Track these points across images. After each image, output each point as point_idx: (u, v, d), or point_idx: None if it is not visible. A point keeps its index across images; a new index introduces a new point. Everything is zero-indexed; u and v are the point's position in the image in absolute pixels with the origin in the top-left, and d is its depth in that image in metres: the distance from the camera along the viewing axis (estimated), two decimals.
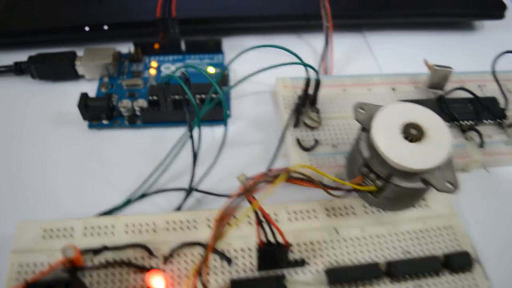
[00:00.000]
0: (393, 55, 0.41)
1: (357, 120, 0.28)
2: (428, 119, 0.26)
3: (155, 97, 0.34)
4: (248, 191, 0.22)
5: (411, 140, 0.26)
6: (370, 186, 0.27)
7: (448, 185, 0.25)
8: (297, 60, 0.29)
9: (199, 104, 0.34)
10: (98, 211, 0.30)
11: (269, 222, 0.23)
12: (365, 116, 0.28)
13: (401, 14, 0.43)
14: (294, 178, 0.24)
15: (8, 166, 0.33)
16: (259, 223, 0.23)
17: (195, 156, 0.29)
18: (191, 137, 0.28)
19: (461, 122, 0.34)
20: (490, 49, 0.38)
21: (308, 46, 0.42)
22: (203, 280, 0.23)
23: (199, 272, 0.22)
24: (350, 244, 0.28)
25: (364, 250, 0.27)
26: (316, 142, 0.32)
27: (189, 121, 0.28)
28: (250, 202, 0.22)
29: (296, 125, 0.32)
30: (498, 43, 0.41)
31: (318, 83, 0.32)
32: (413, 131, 0.26)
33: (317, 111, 0.33)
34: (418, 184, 0.26)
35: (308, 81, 0.31)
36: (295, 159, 0.31)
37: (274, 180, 0.23)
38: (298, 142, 0.32)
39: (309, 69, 0.30)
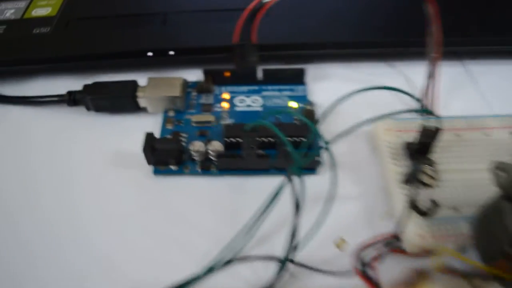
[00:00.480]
0: (506, 89, 0.35)
1: (499, 187, 0.22)
2: None
3: (233, 140, 0.29)
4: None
5: None
6: None
7: None
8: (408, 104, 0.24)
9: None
10: (163, 278, 0.25)
11: None
12: (509, 180, 0.22)
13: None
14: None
15: (56, 221, 0.28)
16: None
17: (297, 212, 0.24)
18: (291, 184, 0.23)
19: None
20: None
21: (402, 76, 0.36)
22: None
23: None
24: None
25: None
26: (435, 204, 0.26)
27: (290, 169, 0.23)
28: None
29: (408, 181, 0.27)
30: None
31: (437, 131, 0.26)
32: None
33: (432, 164, 0.27)
34: None
35: (427, 130, 0.26)
36: (411, 228, 0.25)
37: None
38: (414, 205, 0.26)
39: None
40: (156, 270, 0.26)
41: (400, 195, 0.27)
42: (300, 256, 0.25)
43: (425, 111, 0.24)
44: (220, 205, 0.29)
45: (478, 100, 0.34)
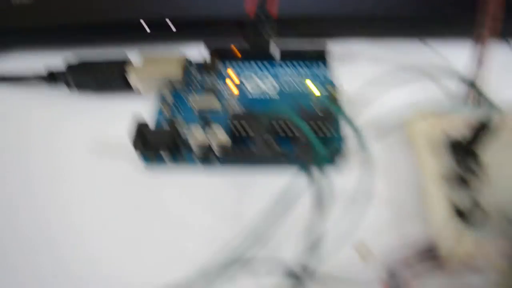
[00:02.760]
0: None
1: None
2: None
3: (240, 130, 0.24)
4: None
5: None
6: None
7: None
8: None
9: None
10: (157, 283, 0.21)
11: None
12: None
13: None
14: None
15: (34, 215, 0.24)
16: None
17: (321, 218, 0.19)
18: (313, 183, 0.18)
19: None
20: None
21: (440, 57, 0.31)
22: None
23: None
24: None
25: None
26: (484, 212, 0.21)
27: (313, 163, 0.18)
28: None
29: (454, 183, 0.22)
30: None
31: (488, 124, 0.21)
32: None
33: (479, 162, 0.22)
34: None
35: (483, 123, 0.21)
36: (451, 237, 0.20)
37: None
38: (458, 211, 0.21)
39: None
40: (145, 273, 0.22)
41: (441, 199, 0.22)
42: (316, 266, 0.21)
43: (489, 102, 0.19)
44: (222, 203, 0.24)
45: None
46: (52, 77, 0.28)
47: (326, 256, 0.21)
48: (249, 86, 0.28)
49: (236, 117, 0.24)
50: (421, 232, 0.22)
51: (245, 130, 0.24)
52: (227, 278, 0.21)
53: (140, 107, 0.28)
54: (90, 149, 0.26)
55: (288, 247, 0.22)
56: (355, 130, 0.21)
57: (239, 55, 0.29)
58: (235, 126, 0.24)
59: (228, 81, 0.28)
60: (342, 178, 0.24)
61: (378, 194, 0.24)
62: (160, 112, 0.27)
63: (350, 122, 0.20)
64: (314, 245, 0.20)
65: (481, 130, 0.22)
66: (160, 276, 0.21)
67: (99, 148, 0.26)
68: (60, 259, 0.22)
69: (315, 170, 0.20)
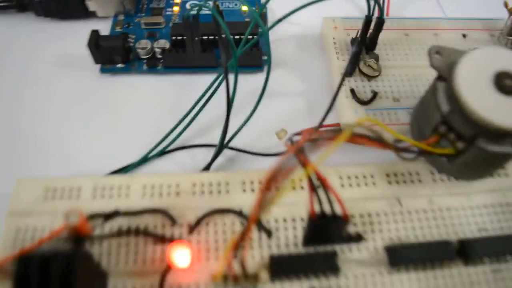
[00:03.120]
0: None
1: (434, 67, 0.22)
2: None
3: (179, 37, 0.29)
4: (300, 151, 0.17)
5: (506, 93, 0.20)
6: (448, 148, 0.22)
7: None
8: None
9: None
10: (110, 169, 0.25)
11: (326, 189, 0.18)
12: (443, 62, 0.22)
13: None
14: (359, 136, 0.19)
15: (8, 116, 0.28)
16: (313, 189, 0.18)
17: (229, 105, 0.24)
18: (227, 81, 0.23)
19: None
20: None
21: None
22: (242, 257, 0.18)
23: (236, 247, 0.18)
24: (415, 217, 0.23)
25: (432, 225, 0.23)
26: (375, 94, 0.26)
27: (225, 62, 0.23)
28: (304, 165, 0.17)
29: (351, 73, 0.27)
30: None
31: (381, 23, 0.26)
32: (508, 82, 0.20)
33: (376, 58, 0.27)
34: (508, 149, 0.21)
35: (368, 21, 0.26)
36: (348, 114, 0.26)
37: (334, 137, 0.18)
38: (353, 93, 0.26)
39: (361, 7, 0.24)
40: (99, 160, 0.26)
41: (343, 87, 0.27)
42: (240, 144, 0.26)
43: (376, 2, 0.24)
44: (165, 101, 0.29)
45: (432, 4, 0.34)
46: (20, 3, 0.32)
47: (246, 136, 0.26)
48: (189, 6, 0.32)
49: (174, 24, 0.29)
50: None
51: (181, 37, 0.29)
52: (167, 154, 0.26)
53: (98, 27, 0.32)
54: (55, 63, 0.31)
55: (216, 131, 0.26)
56: (264, 30, 0.25)
57: None
58: (174, 34, 0.29)
59: (173, 3, 0.33)
60: (263, 77, 0.29)
61: (294, 90, 0.29)
62: (113, 28, 0.31)
63: (264, 30, 0.24)
64: (227, 123, 0.25)
65: (377, 29, 0.27)
66: (114, 161, 0.26)
67: (62, 62, 0.31)
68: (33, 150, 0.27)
69: (236, 67, 0.25)
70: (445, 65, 0.22)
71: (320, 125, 0.24)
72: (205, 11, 0.26)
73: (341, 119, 0.26)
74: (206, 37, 0.28)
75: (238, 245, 0.17)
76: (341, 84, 0.24)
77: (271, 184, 0.16)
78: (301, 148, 0.18)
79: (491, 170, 0.24)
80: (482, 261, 0.22)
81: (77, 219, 0.19)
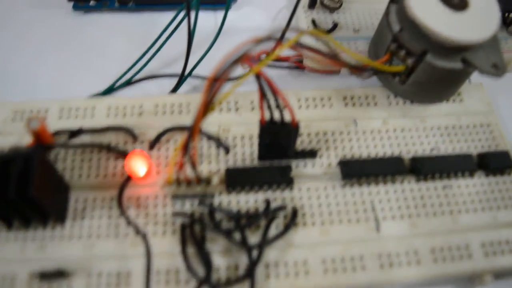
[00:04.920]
0: None
1: None
2: None
3: None
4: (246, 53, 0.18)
5: (453, 7, 0.21)
6: (399, 66, 0.22)
7: (493, 67, 0.21)
8: None
9: None
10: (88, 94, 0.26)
11: (275, 94, 0.19)
12: None
13: None
14: (312, 48, 0.20)
15: None
16: (262, 95, 0.19)
17: (190, 36, 0.24)
18: (188, 14, 0.24)
19: (505, 14, 0.29)
20: None
21: None
22: (191, 158, 0.19)
23: (185, 148, 0.18)
24: (369, 137, 0.24)
25: (386, 144, 0.23)
26: (335, 25, 0.27)
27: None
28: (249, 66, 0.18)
29: (312, 5, 0.27)
30: None
31: None
32: None
33: None
34: (457, 64, 0.21)
35: None
36: (309, 43, 0.26)
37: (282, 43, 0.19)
38: (314, 23, 0.27)
39: None
40: (68, 89, 0.27)
41: (305, 20, 0.28)
42: (205, 73, 0.26)
43: None
44: (135, 37, 0.29)
45: None
46: None
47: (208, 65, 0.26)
48: None
49: None
50: None
51: None
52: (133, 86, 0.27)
53: None
54: (29, 3, 0.31)
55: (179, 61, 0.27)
56: None
57: None
58: None
59: None
60: (229, 15, 0.29)
61: (260, 25, 0.29)
62: None
63: None
64: (203, 56, 0.25)
65: None
66: (83, 92, 0.26)
67: (36, 2, 0.31)
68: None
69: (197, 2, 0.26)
70: None
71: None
72: None
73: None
74: None
75: (187, 145, 0.18)
76: (293, 13, 0.24)
77: (219, 79, 0.17)
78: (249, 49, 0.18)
79: (445, 92, 0.24)
80: (433, 177, 0.22)
81: (39, 125, 0.19)
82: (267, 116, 0.19)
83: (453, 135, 0.24)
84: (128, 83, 0.27)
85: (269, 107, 0.19)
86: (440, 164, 0.23)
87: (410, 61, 0.22)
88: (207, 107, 0.17)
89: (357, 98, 0.25)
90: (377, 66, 0.22)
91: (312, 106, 0.24)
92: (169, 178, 0.20)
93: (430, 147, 0.24)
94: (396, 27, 0.22)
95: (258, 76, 0.18)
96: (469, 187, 0.23)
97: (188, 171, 0.20)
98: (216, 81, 0.17)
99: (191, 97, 0.24)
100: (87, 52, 0.29)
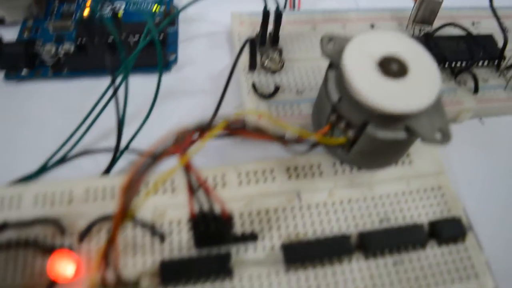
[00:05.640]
0: None
1: (325, 55, 0.22)
2: (410, 50, 0.21)
3: (83, 40, 0.28)
4: (178, 141, 0.17)
5: (391, 76, 0.20)
6: (340, 138, 0.21)
7: (438, 134, 0.20)
8: None
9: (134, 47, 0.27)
10: (8, 180, 0.24)
11: (205, 190, 0.17)
12: (335, 50, 0.22)
13: None
14: (237, 129, 0.18)
15: None
16: (191, 189, 0.17)
17: (118, 110, 0.23)
18: (113, 84, 0.22)
19: (452, 64, 0.28)
20: None
21: None
22: (114, 266, 0.17)
23: (105, 255, 0.17)
24: (315, 212, 0.22)
25: (332, 219, 0.22)
26: (277, 88, 0.26)
27: (111, 65, 0.22)
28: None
29: (252, 67, 0.26)
30: None
31: (279, 17, 0.26)
32: (393, 66, 0.20)
33: (279, 52, 0.27)
34: (400, 134, 0.20)
35: (266, 14, 0.25)
36: (251, 109, 0.25)
37: (208, 132, 0.17)
38: (254, 87, 0.26)
39: (269, 0, 0.24)
40: (1, 171, 0.25)
41: (245, 83, 0.26)
42: (145, 145, 0.25)
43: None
44: (70, 106, 0.28)
45: None
46: None
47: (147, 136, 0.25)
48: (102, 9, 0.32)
49: (78, 28, 0.28)
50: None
51: (84, 39, 0.28)
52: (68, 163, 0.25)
53: (7, 34, 0.31)
54: None
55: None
56: (153, 31, 0.24)
57: None
58: (77, 36, 0.28)
59: (84, 6, 0.32)
60: (172, 78, 0.28)
61: (202, 88, 0.28)
62: (21, 34, 0.30)
63: (152, 28, 0.23)
64: (138, 129, 0.24)
65: (276, 22, 0.27)
66: (14, 172, 0.24)
67: None
68: None
69: (126, 71, 0.24)
70: (336, 53, 0.22)
71: (210, 121, 0.23)
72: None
73: (246, 112, 0.25)
74: (107, 39, 0.28)
75: (108, 251, 0.17)
76: (228, 80, 0.23)
77: (134, 185, 0.16)
78: (179, 138, 0.17)
79: (393, 158, 0.23)
80: (383, 253, 0.21)
81: None
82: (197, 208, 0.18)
83: (403, 202, 0.23)
84: (62, 160, 0.25)
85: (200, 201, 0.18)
86: (389, 238, 0.22)
87: (350, 133, 0.21)
88: (123, 216, 0.16)
89: (301, 169, 0.23)
90: (317, 138, 0.21)
91: (253, 180, 0.23)
92: (92, 283, 0.19)
93: (379, 219, 0.22)
94: (334, 96, 0.21)
95: (187, 170, 0.17)
96: (421, 260, 0.21)
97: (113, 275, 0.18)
98: (131, 188, 0.16)
99: (122, 180, 0.22)
100: (20, 126, 0.27)
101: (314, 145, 0.22)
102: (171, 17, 0.24)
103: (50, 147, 0.25)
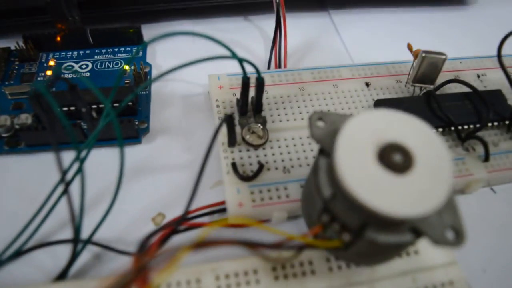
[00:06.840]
0: (368, 39, 0.32)
1: (314, 139, 0.18)
2: (417, 135, 0.18)
3: (41, 111, 0.25)
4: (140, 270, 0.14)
5: (394, 170, 0.17)
6: (333, 240, 0.18)
7: (450, 233, 0.17)
8: (229, 52, 0.20)
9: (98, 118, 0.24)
10: None
11: None
12: (326, 131, 0.18)
13: None
14: (212, 242, 0.15)
15: None
16: None
17: (71, 204, 0.20)
18: (63, 178, 0.19)
19: (458, 127, 0.25)
20: (485, 27, 0.29)
21: (258, 30, 0.32)
22: None
23: None
24: None
25: None
26: (261, 167, 0.22)
27: (55, 143, 0.19)
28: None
29: (231, 144, 0.23)
30: (495, 19, 0.32)
31: (261, 84, 0.23)
32: (396, 157, 0.17)
33: (263, 121, 0.24)
34: (405, 237, 0.17)
35: (246, 82, 0.22)
36: (231, 193, 0.22)
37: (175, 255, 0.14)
38: (234, 167, 0.22)
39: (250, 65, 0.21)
40: None
41: (224, 161, 0.23)
42: (111, 234, 0.22)
43: (247, 61, 0.20)
44: (28, 187, 0.24)
45: (339, 51, 0.31)
46: None
47: (115, 223, 0.22)
48: (65, 70, 0.29)
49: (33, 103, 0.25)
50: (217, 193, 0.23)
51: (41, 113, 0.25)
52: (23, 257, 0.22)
53: None
54: None
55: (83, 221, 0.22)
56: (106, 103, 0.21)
57: (59, 42, 0.29)
58: (34, 106, 0.25)
59: (47, 67, 0.29)
60: (143, 150, 0.25)
61: (177, 163, 0.25)
62: None
63: (100, 96, 0.20)
64: (103, 217, 0.21)
65: (258, 90, 0.23)
66: None
67: None
68: None
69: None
70: (327, 136, 0.18)
71: (185, 214, 0.20)
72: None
73: (226, 197, 0.22)
74: (66, 109, 0.24)
75: None
76: (204, 162, 0.20)
77: None
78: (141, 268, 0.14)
79: (393, 256, 0.20)
80: None
81: None
82: None
83: None
84: (17, 254, 0.22)
85: None
86: None
87: (346, 237, 0.17)
88: None
89: (290, 267, 0.20)
90: (306, 242, 0.18)
91: (233, 284, 0.19)
92: None
93: None
94: (326, 191, 0.18)
95: None
96: None
97: None
98: None
99: (82, 285, 0.19)
100: None
101: (302, 247, 0.18)
102: (134, 93, 0.20)
103: (5, 237, 0.22)
